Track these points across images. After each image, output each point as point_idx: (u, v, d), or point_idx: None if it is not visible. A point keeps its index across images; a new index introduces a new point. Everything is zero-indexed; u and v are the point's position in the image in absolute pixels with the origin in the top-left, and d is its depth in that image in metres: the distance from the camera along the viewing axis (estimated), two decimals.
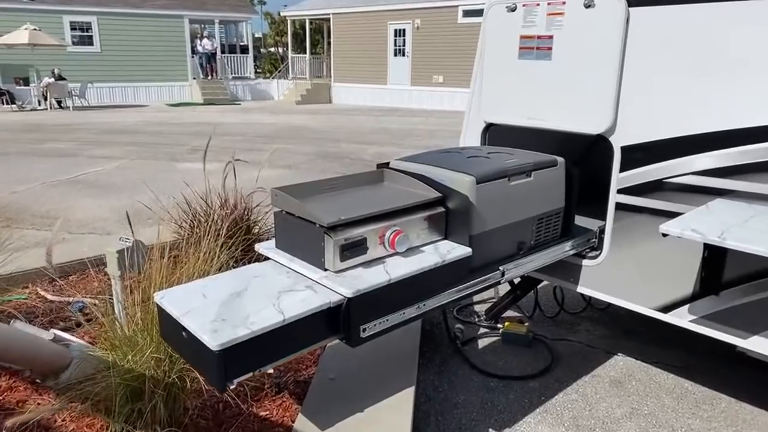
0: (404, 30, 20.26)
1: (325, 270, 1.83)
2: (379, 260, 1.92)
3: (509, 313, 3.63)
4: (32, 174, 8.47)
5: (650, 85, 2.30)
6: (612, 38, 2.34)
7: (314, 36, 25.33)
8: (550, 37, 2.54)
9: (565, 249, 2.53)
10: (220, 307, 1.68)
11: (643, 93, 2.33)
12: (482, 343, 3.44)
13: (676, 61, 2.23)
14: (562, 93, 2.55)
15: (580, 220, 2.73)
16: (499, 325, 3.47)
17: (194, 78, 22.72)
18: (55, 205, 6.78)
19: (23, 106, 18.41)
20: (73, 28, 20.69)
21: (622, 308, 2.66)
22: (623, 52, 2.34)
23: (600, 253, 2.59)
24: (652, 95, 2.30)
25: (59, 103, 18.80)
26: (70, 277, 3.52)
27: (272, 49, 40.59)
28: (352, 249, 1.81)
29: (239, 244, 2.95)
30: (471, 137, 2.97)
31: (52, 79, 18.48)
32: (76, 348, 2.35)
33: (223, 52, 23.96)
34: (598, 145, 2.53)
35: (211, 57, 22.15)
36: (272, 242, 2.06)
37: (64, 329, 2.69)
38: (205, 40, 22.13)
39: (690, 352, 3.20)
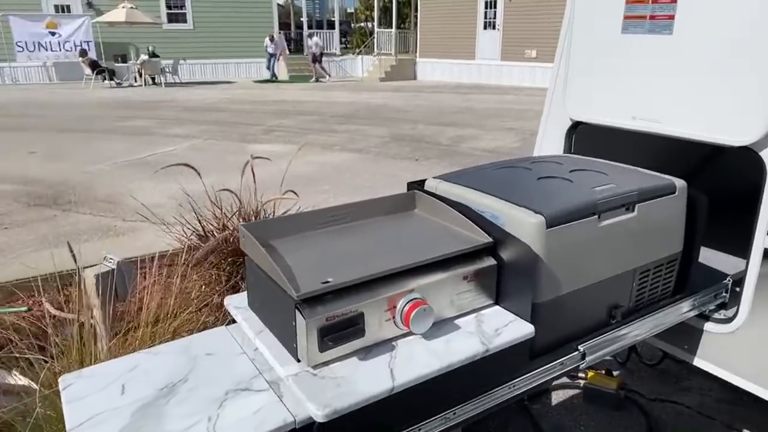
0: (495, 1, 18.96)
1: (299, 361, 1.21)
2: (386, 344, 1.27)
3: None
4: (107, 153, 8.52)
5: None
6: None
7: (403, 9, 24.45)
8: None
9: (681, 311, 1.74)
10: (133, 418, 1.12)
11: None
12: (556, 397, 2.71)
13: None
14: (687, 83, 1.73)
15: (703, 255, 1.91)
16: (581, 375, 2.72)
17: (281, 54, 22.69)
18: (119, 187, 6.67)
19: (120, 82, 19.16)
20: (168, 6, 21.22)
21: None
22: None
23: (735, 316, 1.77)
24: None
25: (153, 79, 19.40)
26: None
27: (362, 24, 39.99)
28: (341, 332, 1.17)
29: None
30: (551, 140, 2.20)
31: (146, 57, 19.07)
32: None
33: (310, 27, 23.73)
34: (741, 160, 1.70)
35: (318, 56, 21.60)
36: (245, 296, 1.47)
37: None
38: (315, 38, 21.68)
39: None
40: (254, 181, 2.89)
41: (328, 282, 1.19)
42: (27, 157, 8.42)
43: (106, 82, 18.72)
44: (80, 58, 18.72)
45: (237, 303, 1.46)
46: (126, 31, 19.60)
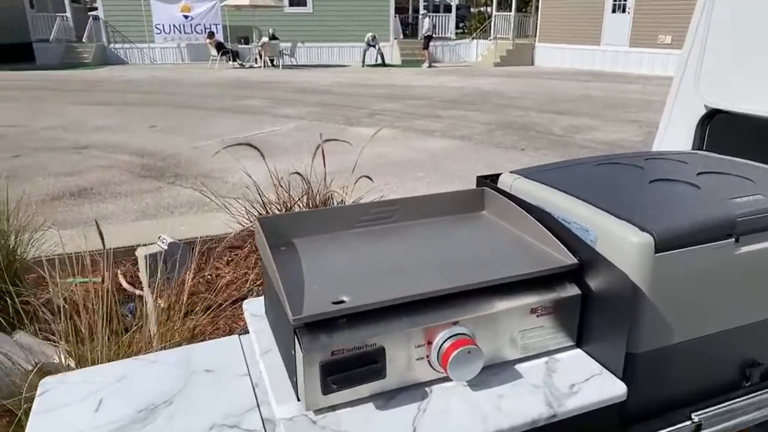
0: None
1: (298, 400, 0.94)
2: (415, 390, 0.96)
3: None
4: (217, 130, 8.83)
5: None
6: None
7: None
8: None
9: None
10: None
11: None
12: None
13: None
14: None
15: None
16: None
17: (395, 38, 22.62)
18: (221, 164, 6.83)
19: (243, 63, 20.08)
20: None
21: None
22: None
23: None
24: None
25: (272, 61, 20.12)
26: None
27: (481, 8, 38.83)
28: (352, 371, 0.89)
29: None
30: (676, 133, 1.74)
31: (267, 39, 19.79)
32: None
33: (426, 9, 23.37)
34: None
35: (428, 39, 21.20)
36: (263, 303, 1.22)
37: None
38: (427, 19, 21.34)
39: None
40: (324, 166, 2.68)
41: (342, 302, 0.91)
42: (148, 131, 8.96)
43: (230, 62, 19.70)
44: (208, 40, 19.84)
45: (254, 309, 1.23)
46: (250, 14, 20.46)
